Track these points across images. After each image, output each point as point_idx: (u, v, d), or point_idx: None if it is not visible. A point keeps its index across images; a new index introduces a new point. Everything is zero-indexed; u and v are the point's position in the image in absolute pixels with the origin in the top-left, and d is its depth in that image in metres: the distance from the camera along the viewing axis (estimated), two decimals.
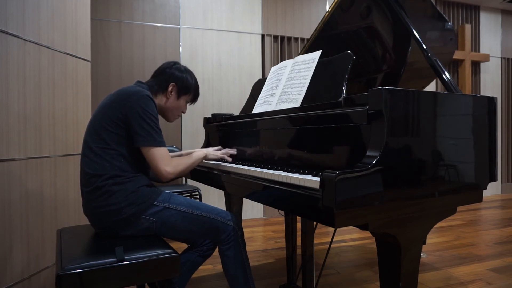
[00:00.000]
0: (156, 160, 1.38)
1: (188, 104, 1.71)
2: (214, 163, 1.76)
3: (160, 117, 1.57)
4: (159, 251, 1.26)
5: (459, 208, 1.26)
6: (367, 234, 3.10)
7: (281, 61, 3.89)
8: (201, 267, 1.68)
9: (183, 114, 1.85)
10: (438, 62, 1.49)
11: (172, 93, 1.61)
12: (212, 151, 1.71)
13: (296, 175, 1.16)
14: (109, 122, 1.39)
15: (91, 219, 1.43)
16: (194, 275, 1.73)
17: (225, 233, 1.48)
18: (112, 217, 1.35)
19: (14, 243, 1.79)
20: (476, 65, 5.35)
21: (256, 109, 1.80)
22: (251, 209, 4.11)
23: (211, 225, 1.47)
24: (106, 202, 1.35)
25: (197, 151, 1.68)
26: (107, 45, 3.58)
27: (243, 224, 3.57)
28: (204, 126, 2.25)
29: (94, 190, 1.36)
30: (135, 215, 1.37)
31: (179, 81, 1.61)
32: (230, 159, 1.71)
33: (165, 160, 1.40)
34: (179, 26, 3.83)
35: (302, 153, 1.37)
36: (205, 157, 1.66)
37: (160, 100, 1.61)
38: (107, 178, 1.36)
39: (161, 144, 1.40)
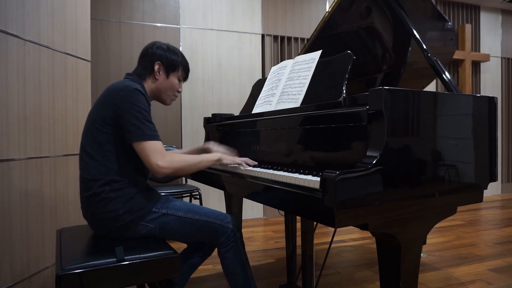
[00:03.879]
0: (146, 155, 1.30)
1: (181, 82, 1.63)
2: None
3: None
4: (159, 251, 1.26)
5: (459, 208, 1.26)
6: (367, 234, 3.10)
7: (281, 61, 3.89)
8: (201, 267, 1.68)
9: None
10: (438, 62, 1.48)
11: (160, 72, 1.53)
12: (228, 157, 1.56)
13: (296, 175, 1.16)
14: (101, 122, 1.35)
15: (90, 223, 1.42)
16: (194, 275, 1.73)
17: (224, 236, 1.47)
18: (111, 223, 1.34)
19: (14, 243, 1.79)
20: (476, 65, 5.35)
21: (256, 109, 1.80)
22: (251, 209, 4.11)
23: (210, 229, 1.46)
24: (104, 209, 1.33)
25: (210, 154, 1.55)
26: (107, 45, 3.58)
27: (243, 224, 3.58)
28: (204, 126, 2.25)
29: (91, 196, 1.34)
30: (134, 222, 1.35)
31: (163, 59, 1.52)
32: (247, 167, 1.53)
33: (157, 154, 1.31)
34: (179, 26, 3.83)
35: (302, 153, 1.36)
36: (219, 161, 1.53)
37: (151, 83, 1.54)
38: (104, 184, 1.33)
39: (153, 137, 1.32)
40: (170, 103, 1.65)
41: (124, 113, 1.32)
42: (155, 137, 1.33)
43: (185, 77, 1.64)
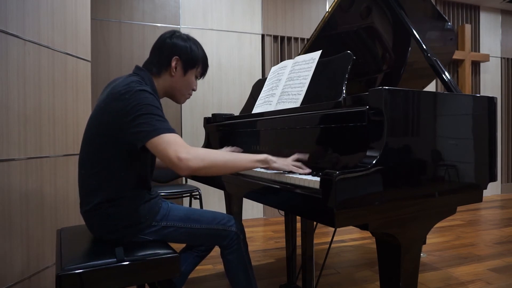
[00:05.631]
0: (162, 149, 1.10)
1: (197, 79, 1.46)
2: None
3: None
4: (159, 251, 1.26)
5: (459, 208, 1.26)
6: (367, 234, 3.10)
7: (281, 61, 3.89)
8: (201, 267, 1.68)
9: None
10: (438, 62, 1.49)
11: (177, 68, 1.36)
12: (278, 159, 1.26)
13: (296, 175, 1.16)
14: (101, 129, 1.25)
15: (90, 230, 1.39)
16: (194, 275, 1.73)
17: (227, 239, 1.44)
18: (109, 235, 1.31)
19: (14, 243, 1.79)
20: (476, 65, 5.35)
21: (256, 109, 1.80)
22: (251, 209, 4.11)
23: (213, 235, 1.43)
24: (103, 223, 1.29)
25: (254, 154, 1.28)
26: (107, 45, 3.58)
27: (243, 224, 3.57)
28: (204, 126, 2.25)
29: (89, 211, 1.29)
30: (132, 235, 1.33)
31: (183, 53, 1.35)
32: (303, 171, 1.22)
33: (176, 146, 1.10)
34: (179, 26, 3.83)
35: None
36: (265, 163, 1.25)
37: (164, 81, 1.37)
38: (102, 201, 1.26)
39: (167, 130, 1.13)
40: (184, 102, 1.50)
41: (129, 119, 1.15)
42: (171, 130, 1.15)
43: (202, 73, 1.47)
